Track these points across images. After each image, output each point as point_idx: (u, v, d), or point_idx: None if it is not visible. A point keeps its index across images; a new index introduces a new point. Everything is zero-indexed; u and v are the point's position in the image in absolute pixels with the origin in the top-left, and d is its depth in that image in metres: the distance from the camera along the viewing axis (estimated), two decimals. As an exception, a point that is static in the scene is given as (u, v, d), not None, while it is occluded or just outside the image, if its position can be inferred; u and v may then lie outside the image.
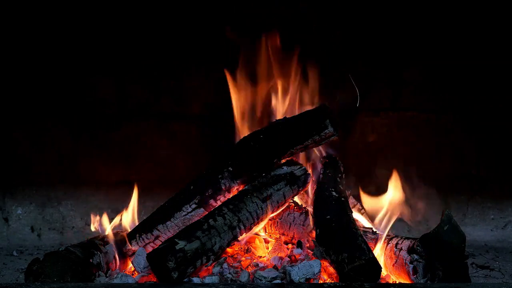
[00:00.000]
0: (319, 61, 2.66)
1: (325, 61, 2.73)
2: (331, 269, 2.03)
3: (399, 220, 3.08)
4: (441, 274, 1.90)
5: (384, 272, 2.11)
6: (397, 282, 2.06)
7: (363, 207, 2.53)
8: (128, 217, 2.41)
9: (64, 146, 3.14)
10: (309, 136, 2.27)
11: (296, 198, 2.43)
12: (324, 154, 2.57)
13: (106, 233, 2.31)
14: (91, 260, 2.08)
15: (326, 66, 2.69)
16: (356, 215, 2.41)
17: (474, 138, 3.16)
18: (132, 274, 2.16)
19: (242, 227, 2.11)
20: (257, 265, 2.13)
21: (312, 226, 2.28)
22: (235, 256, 2.20)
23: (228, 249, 2.18)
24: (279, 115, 2.56)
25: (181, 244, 1.93)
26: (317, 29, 3.01)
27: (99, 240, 2.25)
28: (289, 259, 2.18)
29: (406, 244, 2.07)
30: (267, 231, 2.40)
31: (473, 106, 3.15)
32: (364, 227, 2.37)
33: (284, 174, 2.29)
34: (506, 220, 3.20)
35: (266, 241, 2.34)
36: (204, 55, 3.09)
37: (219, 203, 2.27)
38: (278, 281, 1.96)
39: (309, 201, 2.43)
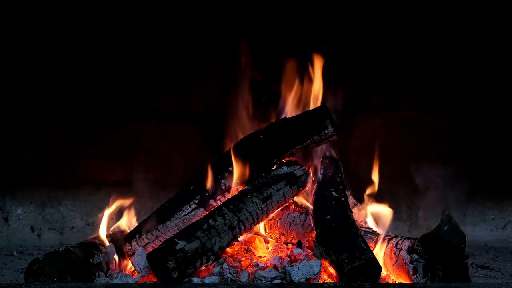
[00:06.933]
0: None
1: (324, 62, 2.73)
2: (331, 269, 2.03)
3: (399, 220, 3.09)
4: (441, 274, 1.90)
5: (384, 272, 2.11)
6: (397, 282, 2.06)
7: (363, 207, 2.53)
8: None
9: (64, 146, 3.14)
10: (309, 136, 2.27)
11: (296, 198, 2.42)
12: (324, 154, 2.57)
13: (99, 234, 2.30)
14: (91, 260, 2.08)
15: (325, 66, 2.69)
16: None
17: (474, 138, 3.16)
18: (132, 274, 2.16)
19: (242, 227, 2.11)
20: (257, 265, 2.13)
21: (312, 226, 2.28)
22: (235, 256, 2.20)
23: (228, 249, 2.18)
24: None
25: (181, 244, 1.93)
26: (316, 30, 3.01)
27: (99, 240, 2.25)
28: (289, 259, 2.18)
29: (406, 244, 2.07)
30: (267, 231, 2.40)
31: (473, 106, 3.15)
32: (364, 227, 2.37)
33: (284, 174, 2.29)
34: (506, 220, 3.20)
35: (266, 241, 2.34)
36: (204, 55, 3.09)
37: (219, 203, 2.27)
38: (278, 281, 1.96)
39: (309, 201, 2.43)
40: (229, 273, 2.04)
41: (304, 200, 2.48)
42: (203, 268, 2.01)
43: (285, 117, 2.37)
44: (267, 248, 2.30)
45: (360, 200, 2.52)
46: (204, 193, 2.29)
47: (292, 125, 2.31)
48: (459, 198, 3.21)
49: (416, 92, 3.17)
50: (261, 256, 2.26)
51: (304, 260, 2.11)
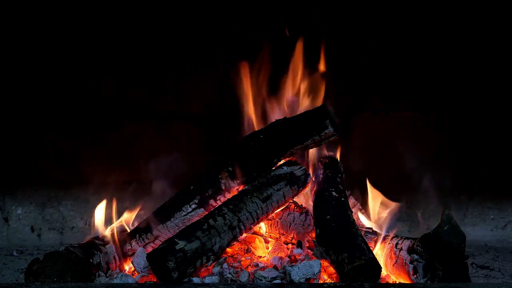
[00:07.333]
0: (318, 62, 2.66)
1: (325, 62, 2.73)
2: (331, 269, 2.03)
3: (399, 220, 3.09)
4: (441, 274, 1.90)
5: (384, 272, 2.11)
6: (397, 282, 2.06)
7: (363, 207, 2.53)
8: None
9: (64, 146, 3.14)
10: (309, 136, 2.26)
11: (296, 198, 2.42)
12: (324, 154, 2.57)
13: (106, 233, 2.31)
14: (91, 260, 2.08)
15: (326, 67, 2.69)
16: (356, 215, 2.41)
17: (474, 138, 3.16)
18: (132, 274, 2.16)
19: (242, 227, 2.11)
20: (257, 265, 2.13)
21: (312, 226, 2.27)
22: (235, 256, 2.20)
23: (228, 249, 2.18)
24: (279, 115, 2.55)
25: (181, 244, 1.93)
26: (316, 30, 3.01)
27: (99, 240, 2.25)
28: (289, 259, 2.18)
29: (406, 244, 2.07)
30: (267, 231, 2.40)
31: (473, 106, 3.15)
32: (364, 227, 2.37)
33: (284, 174, 2.29)
34: (506, 220, 3.20)
35: (266, 241, 2.34)
36: (204, 55, 3.09)
37: (219, 203, 2.27)
38: (278, 281, 1.96)
39: (309, 201, 2.43)
40: (229, 273, 2.04)
41: (304, 200, 2.48)
42: (203, 268, 2.01)
43: (285, 117, 2.36)
44: (267, 248, 2.30)
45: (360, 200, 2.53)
46: (204, 193, 2.29)
47: (292, 125, 2.30)
48: (459, 198, 3.22)
49: (416, 92, 3.17)
50: (261, 256, 2.26)
51: (304, 260, 2.11)
